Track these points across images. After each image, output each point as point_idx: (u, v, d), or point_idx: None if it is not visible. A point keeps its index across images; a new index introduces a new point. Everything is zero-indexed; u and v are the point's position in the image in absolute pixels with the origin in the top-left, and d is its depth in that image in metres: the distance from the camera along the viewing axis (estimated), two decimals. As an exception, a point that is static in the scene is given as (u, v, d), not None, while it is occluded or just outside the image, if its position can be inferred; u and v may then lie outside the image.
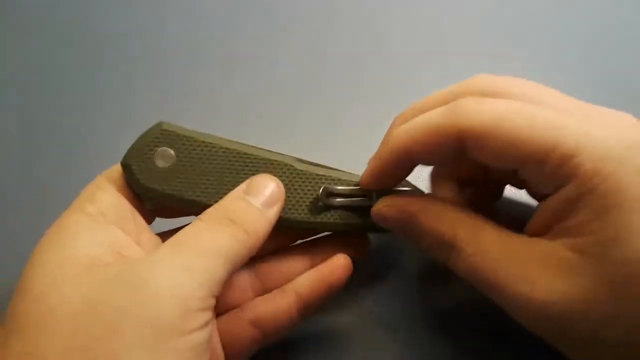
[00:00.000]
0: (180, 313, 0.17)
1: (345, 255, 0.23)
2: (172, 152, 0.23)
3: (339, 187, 0.24)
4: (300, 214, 0.24)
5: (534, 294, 0.19)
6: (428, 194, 0.25)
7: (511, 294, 0.19)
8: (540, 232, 0.20)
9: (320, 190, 0.23)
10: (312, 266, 0.24)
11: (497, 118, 0.19)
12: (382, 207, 0.23)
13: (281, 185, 0.22)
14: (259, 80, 0.36)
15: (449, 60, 0.36)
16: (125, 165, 0.22)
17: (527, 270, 0.19)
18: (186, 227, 0.20)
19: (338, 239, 0.25)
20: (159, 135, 0.23)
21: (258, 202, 0.21)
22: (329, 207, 0.24)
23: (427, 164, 0.23)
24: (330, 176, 0.24)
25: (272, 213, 0.21)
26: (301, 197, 0.24)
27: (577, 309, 0.18)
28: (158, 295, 0.17)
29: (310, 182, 0.24)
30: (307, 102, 0.35)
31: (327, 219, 0.24)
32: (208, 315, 0.19)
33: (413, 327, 0.26)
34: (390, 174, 0.23)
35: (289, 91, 0.35)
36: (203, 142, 0.23)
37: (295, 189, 0.24)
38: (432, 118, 0.21)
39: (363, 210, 0.24)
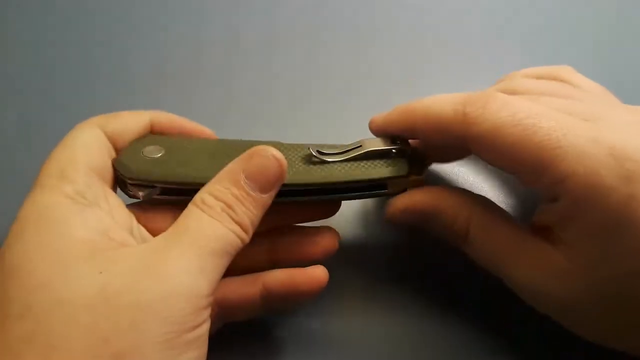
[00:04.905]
0: (193, 310, 0.18)
1: (324, 269, 0.23)
2: (160, 147, 0.23)
3: (330, 148, 0.24)
4: (295, 174, 0.23)
5: (535, 287, 0.21)
6: (439, 188, 0.25)
7: (515, 283, 0.22)
8: (543, 229, 0.22)
9: (310, 149, 0.24)
10: (270, 245, 0.24)
11: (498, 128, 0.21)
12: (396, 211, 0.25)
13: (281, 157, 0.21)
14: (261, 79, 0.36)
15: (450, 59, 0.36)
16: (117, 162, 0.23)
17: (530, 267, 0.21)
18: (192, 220, 0.20)
19: (299, 229, 0.25)
20: (149, 137, 0.24)
21: (258, 187, 0.21)
22: (324, 163, 0.24)
23: (426, 141, 0.25)
24: (319, 143, 0.25)
25: (269, 197, 0.21)
26: (294, 161, 0.24)
27: (574, 304, 0.20)
28: (177, 293, 0.18)
29: (299, 151, 0.24)
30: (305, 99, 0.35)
31: (324, 174, 0.24)
32: (210, 309, 0.19)
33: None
34: (394, 133, 0.25)
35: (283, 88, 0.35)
36: (189, 139, 0.24)
37: (287, 156, 0.23)
38: (443, 111, 0.22)
39: (358, 161, 0.24)
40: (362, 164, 0.24)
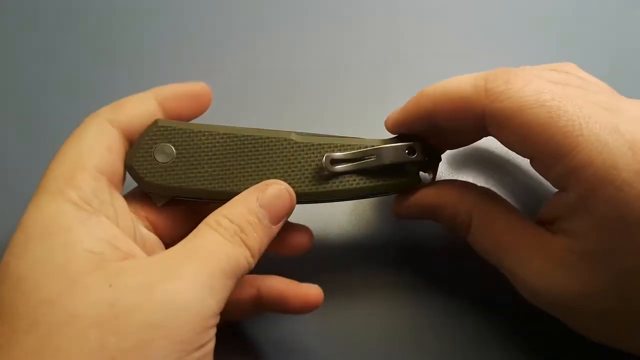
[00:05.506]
0: (201, 330, 0.18)
1: (319, 290, 0.23)
2: (171, 146, 0.23)
3: (343, 153, 0.23)
4: (307, 185, 0.23)
5: (536, 281, 0.21)
6: (443, 183, 0.25)
7: (516, 276, 0.22)
8: (548, 222, 0.22)
9: (324, 159, 0.23)
10: None
11: (521, 107, 0.20)
12: (403, 208, 0.25)
13: (293, 194, 0.22)
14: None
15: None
16: (128, 167, 0.23)
17: (532, 259, 0.21)
18: (204, 239, 0.20)
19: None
20: (156, 132, 0.23)
21: (268, 217, 0.21)
22: (335, 175, 0.23)
23: (443, 125, 0.24)
24: (333, 143, 0.24)
25: (277, 229, 0.22)
26: (306, 169, 0.23)
27: (574, 300, 0.20)
28: (187, 314, 0.18)
29: (312, 153, 0.24)
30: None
31: (336, 186, 0.23)
32: (215, 329, 0.19)
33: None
34: (410, 124, 0.24)
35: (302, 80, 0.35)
36: (200, 131, 0.23)
37: (299, 162, 0.23)
38: (463, 87, 0.22)
39: (370, 172, 0.24)
40: (374, 173, 0.24)
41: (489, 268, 0.23)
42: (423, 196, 0.25)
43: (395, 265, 0.28)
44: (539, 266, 0.21)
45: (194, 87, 0.24)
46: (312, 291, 0.23)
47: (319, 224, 0.28)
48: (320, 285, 0.23)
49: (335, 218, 0.29)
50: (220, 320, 0.23)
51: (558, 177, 0.20)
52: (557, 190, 0.21)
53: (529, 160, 0.22)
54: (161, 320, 0.17)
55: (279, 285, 0.23)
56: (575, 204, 0.20)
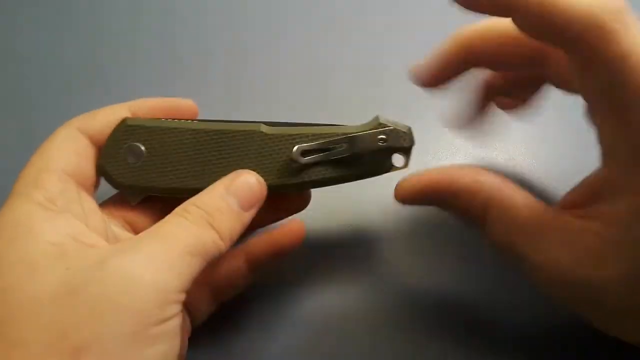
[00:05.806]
0: (159, 304, 0.18)
1: (300, 220, 0.24)
2: (141, 146, 0.23)
3: (312, 143, 0.23)
4: (278, 177, 0.23)
5: (557, 272, 0.19)
6: (453, 167, 0.23)
7: (540, 270, 0.20)
8: (576, 206, 0.20)
9: (293, 150, 0.23)
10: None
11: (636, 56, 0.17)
12: (406, 194, 0.23)
13: (263, 183, 0.23)
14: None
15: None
16: (99, 168, 0.23)
17: (553, 248, 0.20)
18: (169, 223, 0.20)
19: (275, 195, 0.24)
20: (125, 131, 0.23)
21: (238, 203, 0.22)
22: (307, 166, 0.23)
23: (483, 64, 0.23)
24: (303, 133, 0.23)
25: (249, 215, 0.22)
26: (276, 161, 0.23)
27: (600, 293, 0.19)
28: (141, 286, 0.18)
29: (283, 144, 0.23)
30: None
31: (307, 177, 0.23)
32: (180, 306, 0.19)
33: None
34: (445, 67, 0.24)
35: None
36: (169, 128, 0.23)
37: (270, 154, 0.23)
38: (577, 10, 0.17)
39: (342, 160, 0.23)
40: (345, 162, 0.23)
41: (492, 266, 0.23)
42: (432, 184, 0.22)
43: (395, 260, 0.28)
44: (567, 255, 0.19)
45: (174, 103, 0.24)
46: (294, 223, 0.24)
47: (317, 221, 0.28)
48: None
49: (334, 211, 0.29)
50: (218, 299, 0.24)
51: (615, 145, 0.19)
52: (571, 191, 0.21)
53: (585, 104, 0.20)
54: (114, 293, 0.17)
55: (263, 238, 0.24)
56: (618, 184, 0.18)
